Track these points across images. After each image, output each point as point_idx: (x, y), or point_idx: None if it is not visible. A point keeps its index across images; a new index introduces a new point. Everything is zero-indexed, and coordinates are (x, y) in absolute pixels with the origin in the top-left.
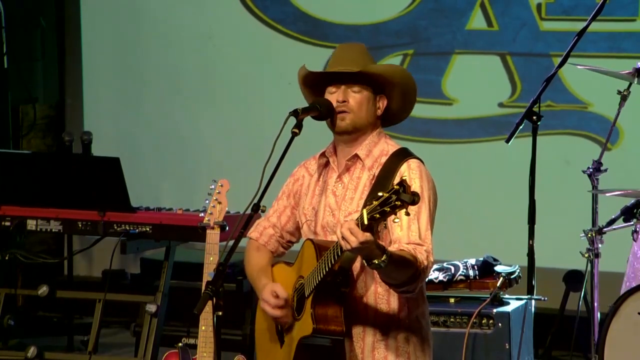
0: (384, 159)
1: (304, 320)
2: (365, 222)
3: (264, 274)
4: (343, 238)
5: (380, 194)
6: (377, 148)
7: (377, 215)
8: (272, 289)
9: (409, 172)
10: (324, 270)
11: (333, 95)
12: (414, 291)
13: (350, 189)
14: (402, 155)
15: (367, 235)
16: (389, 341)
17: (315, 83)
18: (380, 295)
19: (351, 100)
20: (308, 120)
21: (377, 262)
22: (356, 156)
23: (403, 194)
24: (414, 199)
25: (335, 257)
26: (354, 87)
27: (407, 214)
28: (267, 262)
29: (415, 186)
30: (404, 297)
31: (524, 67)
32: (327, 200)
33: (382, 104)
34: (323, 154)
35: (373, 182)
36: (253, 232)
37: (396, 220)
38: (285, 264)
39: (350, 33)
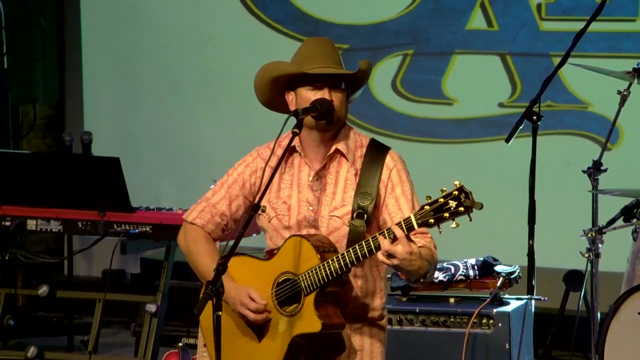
0: (359, 151)
1: (305, 317)
2: (416, 227)
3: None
4: (389, 255)
5: (433, 199)
6: (351, 140)
7: (432, 221)
8: (248, 293)
9: (395, 164)
10: (339, 270)
11: (314, 93)
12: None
13: (329, 183)
14: (379, 147)
15: (413, 247)
16: (364, 329)
17: (289, 80)
18: (360, 287)
19: (335, 100)
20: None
21: (425, 275)
22: (337, 151)
23: (467, 200)
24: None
25: (359, 258)
26: (337, 87)
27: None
28: (217, 256)
29: (402, 177)
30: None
31: (524, 67)
32: (303, 195)
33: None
34: (292, 149)
35: (358, 175)
36: (197, 218)
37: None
38: (249, 257)
39: (350, 33)
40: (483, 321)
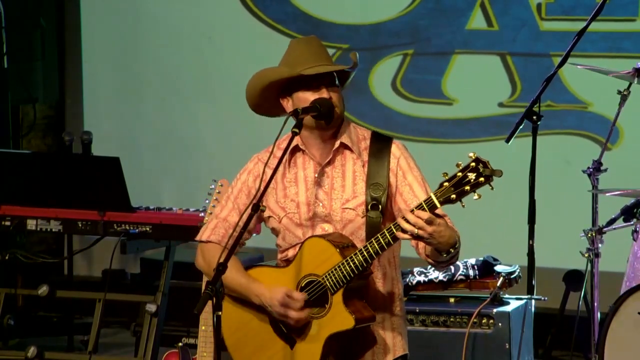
0: (363, 144)
1: (336, 315)
2: (438, 205)
3: (252, 280)
4: (418, 227)
5: (450, 174)
6: (353, 134)
7: (453, 196)
8: (286, 293)
9: (401, 152)
10: (364, 262)
11: (312, 94)
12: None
13: (336, 177)
14: (382, 137)
15: (438, 219)
16: (385, 322)
17: (283, 85)
18: (378, 278)
19: (334, 97)
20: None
21: (455, 245)
22: (342, 145)
23: (486, 169)
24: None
25: (384, 247)
26: (333, 85)
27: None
28: (243, 267)
29: (411, 164)
30: (393, 277)
31: (524, 67)
32: (312, 192)
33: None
34: (295, 149)
35: (366, 167)
36: (212, 235)
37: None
38: (266, 267)
39: (350, 33)
40: (483, 321)
